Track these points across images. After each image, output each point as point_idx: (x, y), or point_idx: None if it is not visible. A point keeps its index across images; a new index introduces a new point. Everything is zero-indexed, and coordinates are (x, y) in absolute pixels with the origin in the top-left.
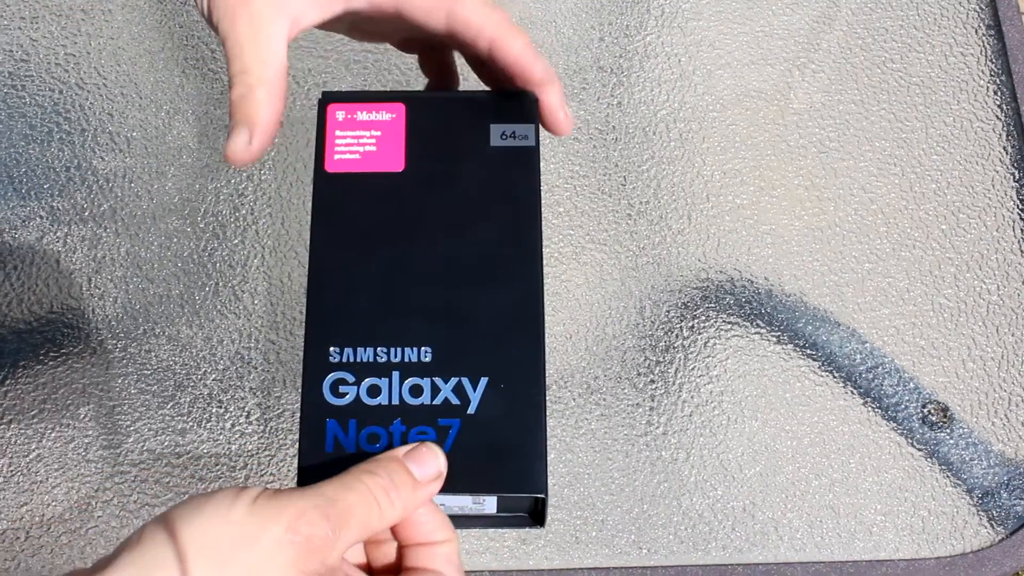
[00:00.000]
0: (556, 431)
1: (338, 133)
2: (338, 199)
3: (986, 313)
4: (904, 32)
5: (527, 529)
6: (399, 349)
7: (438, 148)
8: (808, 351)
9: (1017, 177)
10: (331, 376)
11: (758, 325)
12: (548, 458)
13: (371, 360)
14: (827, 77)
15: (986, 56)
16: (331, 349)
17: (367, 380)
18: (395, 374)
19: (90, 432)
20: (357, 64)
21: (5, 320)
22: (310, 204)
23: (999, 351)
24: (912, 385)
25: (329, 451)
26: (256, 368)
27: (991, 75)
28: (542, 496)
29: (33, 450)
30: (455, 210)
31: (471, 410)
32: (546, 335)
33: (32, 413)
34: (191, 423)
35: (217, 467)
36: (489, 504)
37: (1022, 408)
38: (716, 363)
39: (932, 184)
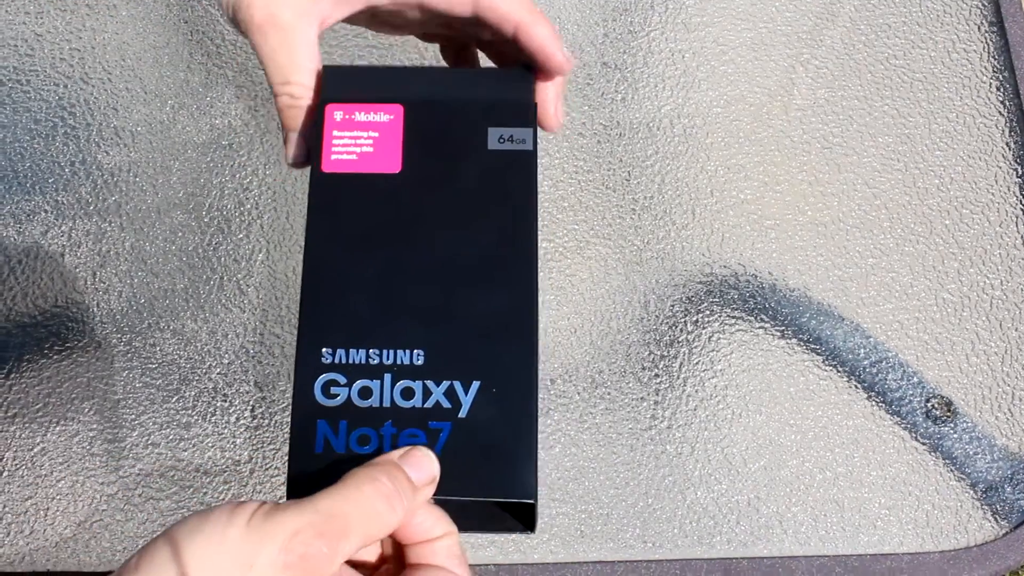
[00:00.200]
0: (561, 425)
1: (336, 134)
2: (334, 200)
3: (990, 308)
4: (907, 28)
5: (518, 535)
6: (391, 351)
7: (435, 150)
8: (812, 346)
9: (1020, 172)
10: (323, 377)
11: (762, 320)
12: (553, 452)
13: (363, 362)
14: (830, 73)
15: (989, 52)
16: (323, 350)
17: (359, 382)
18: (387, 376)
19: (94, 426)
20: (363, 60)
21: (10, 314)
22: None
23: (1003, 345)
24: (916, 380)
25: (319, 452)
26: (261, 362)
27: (994, 71)
28: (531, 502)
29: (37, 444)
30: (451, 213)
31: (462, 414)
32: (551, 330)
33: (36, 407)
34: (195, 417)
35: (222, 461)
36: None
37: None
38: (720, 357)
39: (935, 179)
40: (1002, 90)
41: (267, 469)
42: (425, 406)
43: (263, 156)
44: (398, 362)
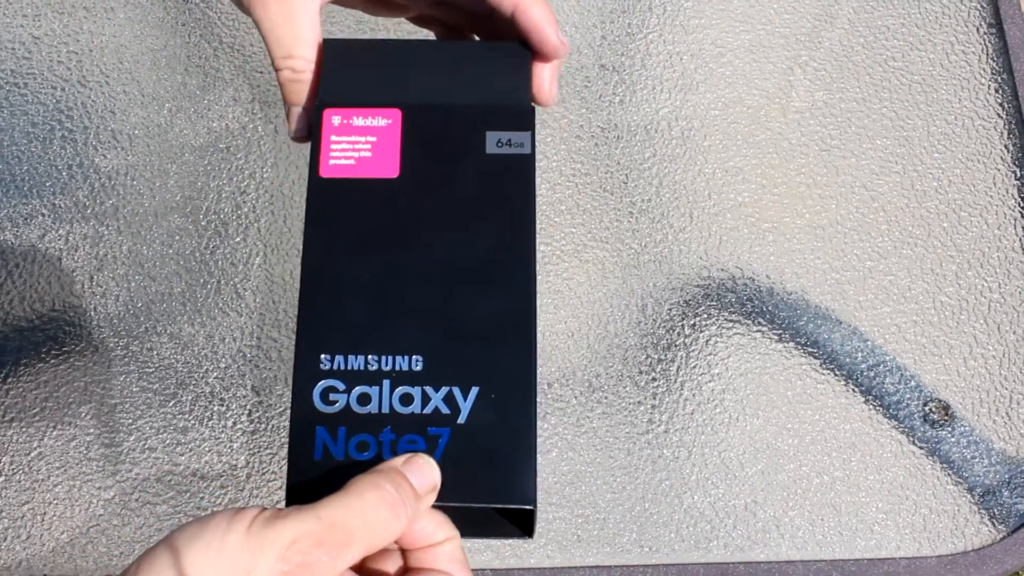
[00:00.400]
0: (558, 429)
1: (333, 138)
2: (332, 205)
3: (987, 311)
4: (905, 30)
5: (516, 540)
6: (390, 357)
7: (433, 154)
8: (809, 349)
9: (1018, 175)
10: (321, 383)
11: (760, 323)
12: (550, 456)
13: (362, 368)
14: (828, 75)
15: (987, 54)
16: (322, 356)
17: (357, 388)
18: (386, 382)
19: (91, 430)
20: None
21: (7, 318)
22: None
23: (1000, 349)
24: (913, 383)
25: (318, 459)
26: (258, 366)
27: (992, 73)
28: (530, 508)
29: (35, 448)
30: (449, 217)
31: (461, 420)
32: (548, 334)
33: (34, 411)
34: (193, 421)
35: (219, 465)
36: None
37: (1023, 406)
38: (718, 361)
39: (933, 182)
40: (1001, 92)
41: (264, 474)
42: (424, 412)
43: (260, 159)
44: (397, 368)
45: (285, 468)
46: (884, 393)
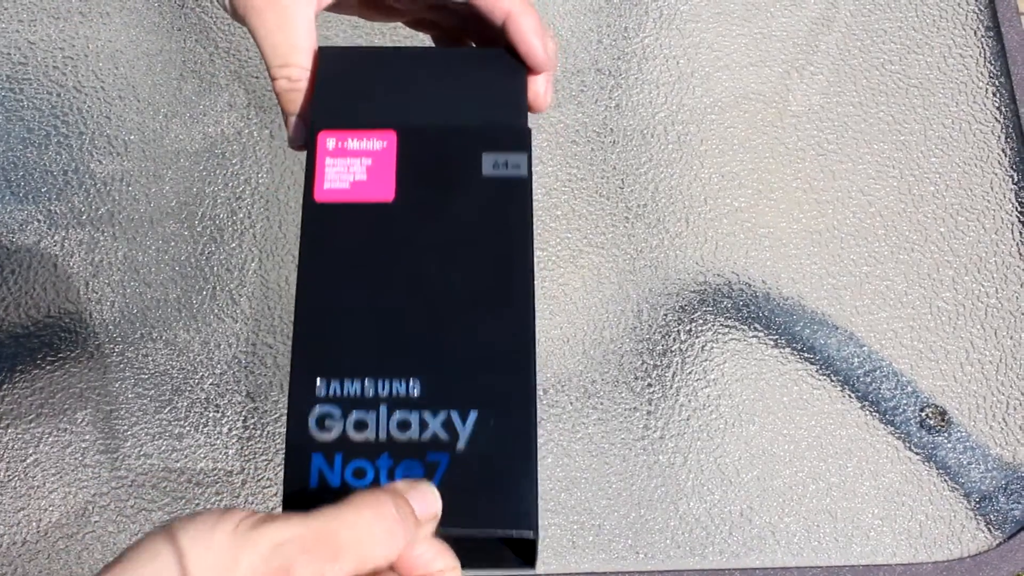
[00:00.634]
0: (553, 435)
1: (328, 162)
2: (327, 229)
3: (984, 316)
4: (903, 34)
5: (518, 572)
6: (387, 382)
7: (429, 177)
8: (806, 354)
9: (1016, 180)
10: (317, 409)
11: (756, 328)
12: (545, 462)
13: (358, 394)
14: (825, 79)
15: (985, 58)
16: (318, 382)
17: (354, 413)
18: (383, 408)
19: (87, 437)
20: None
21: (2, 324)
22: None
23: (997, 354)
24: (910, 388)
25: (314, 486)
26: (253, 372)
27: (990, 77)
28: (531, 537)
29: (30, 455)
30: (445, 240)
31: (460, 445)
32: (543, 340)
33: (29, 418)
34: (188, 427)
35: (214, 471)
36: None
37: (1020, 412)
38: (714, 367)
39: (931, 187)
40: (998, 96)
41: (259, 480)
42: (422, 438)
43: (256, 165)
44: (394, 393)
45: (280, 474)
46: (880, 398)
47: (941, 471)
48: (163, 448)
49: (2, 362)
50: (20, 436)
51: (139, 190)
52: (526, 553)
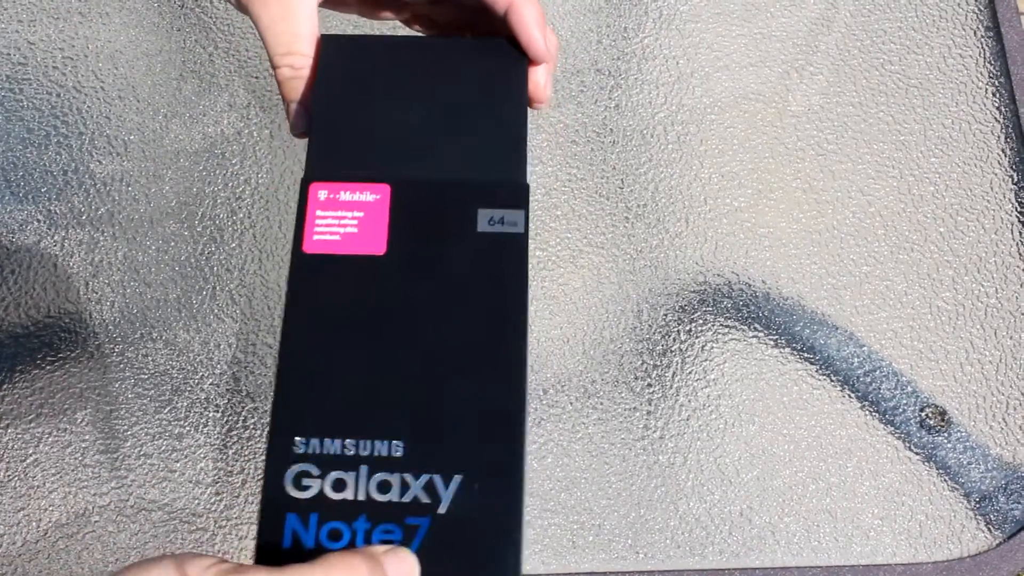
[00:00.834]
0: (553, 435)
1: (319, 213)
2: (315, 282)
3: (984, 316)
4: (903, 34)
5: None
6: (369, 442)
7: (422, 232)
8: (806, 354)
9: (1016, 180)
10: (295, 468)
11: (756, 328)
12: (545, 462)
13: (339, 452)
14: (825, 79)
15: (985, 58)
16: (297, 439)
17: (333, 473)
18: (363, 468)
19: (87, 437)
20: None
21: (2, 324)
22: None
23: (997, 354)
24: (910, 388)
25: (287, 547)
26: (253, 372)
27: (990, 77)
28: None
29: (30, 455)
30: (436, 298)
31: (442, 510)
32: (543, 340)
33: (29, 418)
34: (188, 427)
35: (214, 472)
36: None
37: (1020, 412)
38: (713, 367)
39: (930, 187)
40: (998, 96)
41: (259, 481)
42: (403, 500)
43: (256, 165)
44: (376, 453)
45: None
46: (880, 398)
47: (941, 471)
48: (163, 448)
49: (2, 362)
50: (20, 436)
51: (139, 190)
52: None
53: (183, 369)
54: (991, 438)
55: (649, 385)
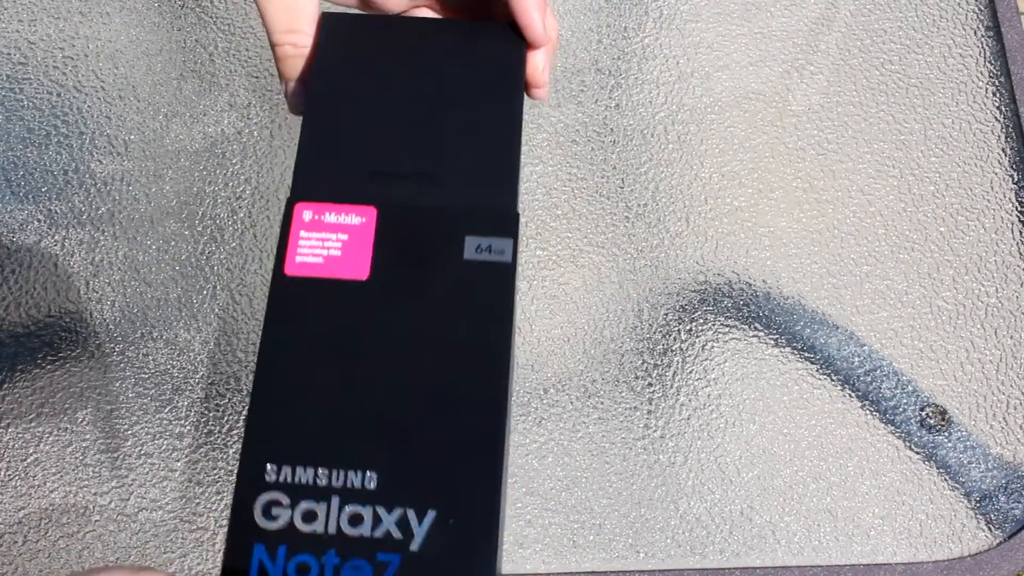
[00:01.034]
0: (553, 435)
1: (302, 234)
2: (294, 305)
3: (984, 316)
4: (903, 34)
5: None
6: (342, 472)
7: (407, 258)
8: (806, 354)
9: (1016, 179)
10: (264, 496)
11: (756, 328)
12: (546, 461)
13: (310, 482)
14: (826, 79)
15: (985, 58)
16: (268, 466)
17: (303, 503)
18: (335, 499)
19: (88, 436)
20: None
21: (2, 324)
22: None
23: (997, 354)
24: (910, 388)
25: None
26: (254, 372)
27: (990, 76)
28: None
29: (31, 454)
30: (418, 327)
31: (414, 546)
32: (544, 340)
33: (30, 417)
34: (188, 427)
35: (214, 471)
36: None
37: (1020, 411)
38: (714, 366)
39: (931, 186)
40: (998, 95)
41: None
42: (374, 535)
43: (256, 164)
44: (348, 484)
45: None
46: (881, 398)
47: (941, 470)
48: (164, 447)
49: (2, 362)
50: (21, 435)
51: (139, 190)
52: None
53: (184, 368)
54: (991, 437)
55: (649, 384)
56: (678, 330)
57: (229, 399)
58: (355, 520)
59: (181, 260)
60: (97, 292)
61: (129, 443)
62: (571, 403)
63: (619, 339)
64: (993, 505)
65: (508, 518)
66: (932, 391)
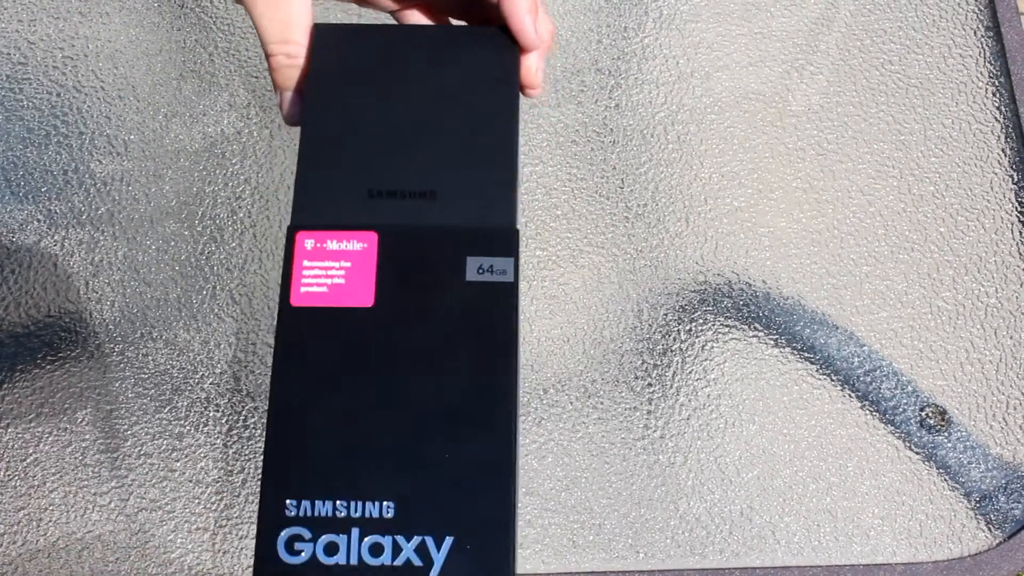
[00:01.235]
0: (553, 435)
1: (306, 264)
2: (303, 336)
3: (984, 316)
4: (903, 34)
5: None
6: (360, 503)
7: (410, 282)
8: (806, 354)
9: (1016, 179)
10: (286, 532)
11: (756, 328)
12: (545, 462)
13: (330, 514)
14: (825, 79)
15: (985, 58)
16: (288, 502)
17: (324, 536)
18: (355, 531)
19: (87, 436)
20: None
21: (2, 324)
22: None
23: (997, 354)
24: (910, 388)
25: None
26: (253, 371)
27: (990, 77)
28: None
29: (30, 454)
30: (426, 352)
31: (434, 573)
32: (544, 340)
33: (29, 417)
34: (188, 427)
35: (214, 471)
36: None
37: (1020, 411)
38: (714, 366)
39: (930, 186)
40: (998, 96)
41: (259, 480)
42: (395, 564)
43: (256, 164)
44: (367, 515)
45: None
46: (880, 398)
47: (941, 471)
48: (163, 448)
49: (2, 361)
50: (20, 435)
51: (139, 190)
52: None
53: (183, 369)
54: (991, 437)
55: (649, 384)
56: (678, 330)
57: (229, 399)
58: (375, 550)
59: (181, 260)
60: (97, 292)
61: (129, 443)
62: (571, 403)
63: (619, 339)
64: (993, 505)
65: None
66: (932, 391)
